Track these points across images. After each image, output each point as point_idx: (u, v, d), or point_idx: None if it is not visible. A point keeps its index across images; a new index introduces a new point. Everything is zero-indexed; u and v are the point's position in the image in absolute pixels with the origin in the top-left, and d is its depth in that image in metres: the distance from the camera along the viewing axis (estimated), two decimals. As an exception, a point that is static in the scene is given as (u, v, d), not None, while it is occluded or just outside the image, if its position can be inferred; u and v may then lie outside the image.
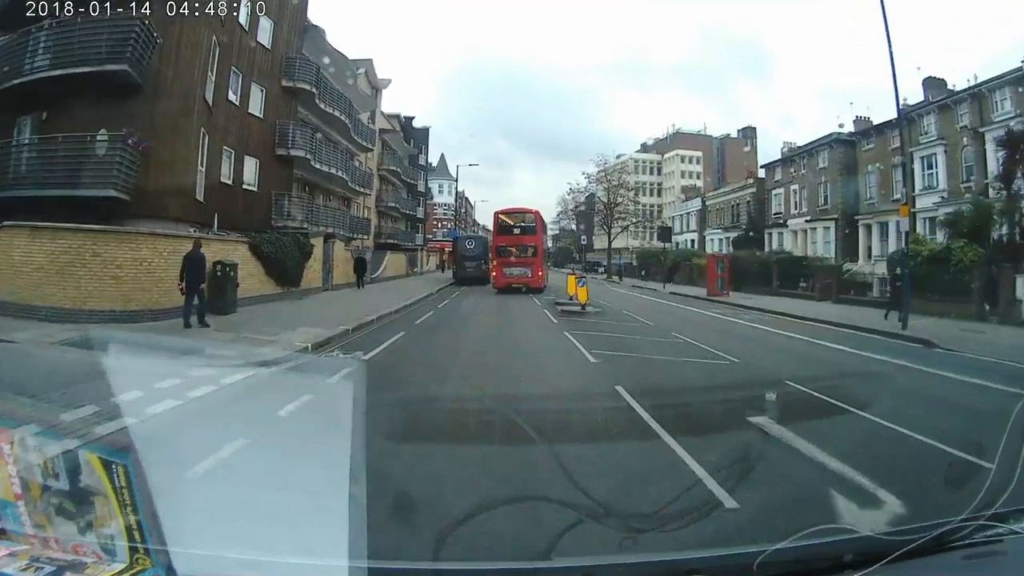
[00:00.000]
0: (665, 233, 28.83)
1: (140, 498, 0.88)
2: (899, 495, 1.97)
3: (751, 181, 34.67)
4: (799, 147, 29.31)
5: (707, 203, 41.13)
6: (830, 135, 26.11)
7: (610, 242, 39.73)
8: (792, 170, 28.55)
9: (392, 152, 30.66)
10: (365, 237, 24.65)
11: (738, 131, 56.34)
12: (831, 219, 24.53)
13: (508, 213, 21.30)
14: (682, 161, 55.14)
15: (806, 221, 26.16)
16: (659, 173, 55.98)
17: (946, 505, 1.16)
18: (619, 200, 38.65)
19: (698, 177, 53.70)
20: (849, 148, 24.25)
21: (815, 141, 27.09)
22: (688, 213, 44.82)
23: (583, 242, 66.23)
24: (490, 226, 27.31)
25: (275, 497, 0.97)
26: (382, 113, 29.86)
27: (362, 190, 22.95)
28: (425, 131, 41.32)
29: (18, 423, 0.95)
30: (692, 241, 44.00)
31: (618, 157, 37.72)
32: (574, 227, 67.50)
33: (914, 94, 21.85)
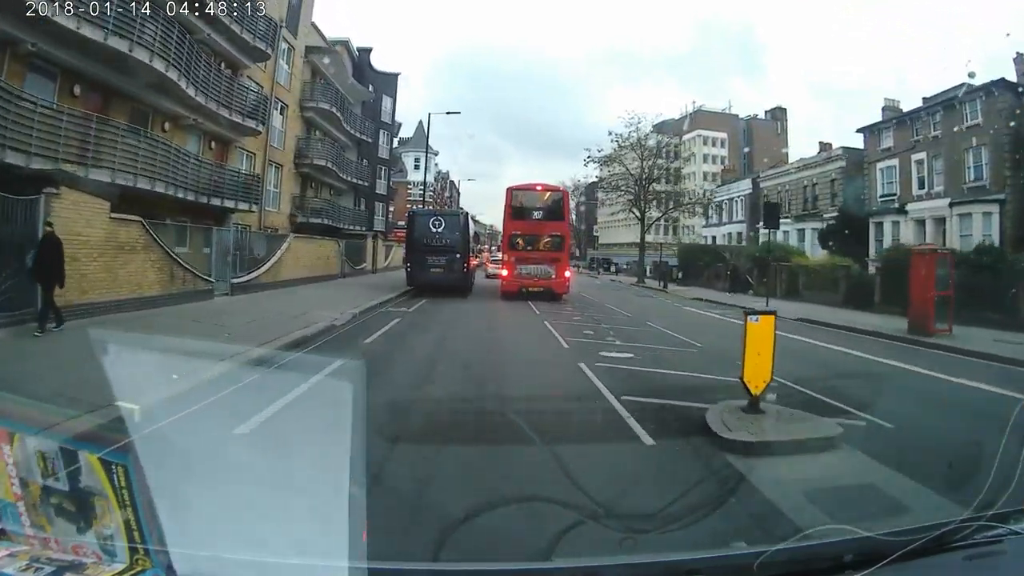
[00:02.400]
0: (772, 214, 24.41)
1: (140, 498, 1.44)
2: None
3: (838, 152, 36.95)
4: (929, 98, 30.27)
5: (761, 185, 44.83)
6: (960, 86, 27.37)
7: (644, 232, 42.62)
8: (914, 133, 29.49)
9: (328, 87, 29.82)
10: (262, 208, 22.76)
11: (766, 112, 67.09)
12: (993, 200, 25.19)
13: (527, 190, 23.06)
14: (704, 143, 65.28)
15: (950, 204, 27.07)
16: (676, 157, 63.91)
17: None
18: (657, 174, 42.19)
19: (723, 161, 63.92)
20: (1015, 96, 25.24)
21: (954, 89, 28.24)
22: (732, 200, 48.59)
23: (595, 232, 70.77)
24: (481, 216, 29.60)
25: (275, 497, 1.54)
26: (314, 26, 29.10)
27: (246, 124, 20.19)
28: (391, 78, 42.11)
29: (18, 423, 1.49)
30: (739, 235, 47.84)
31: (626, 139, 42.21)
32: (573, 217, 75.06)
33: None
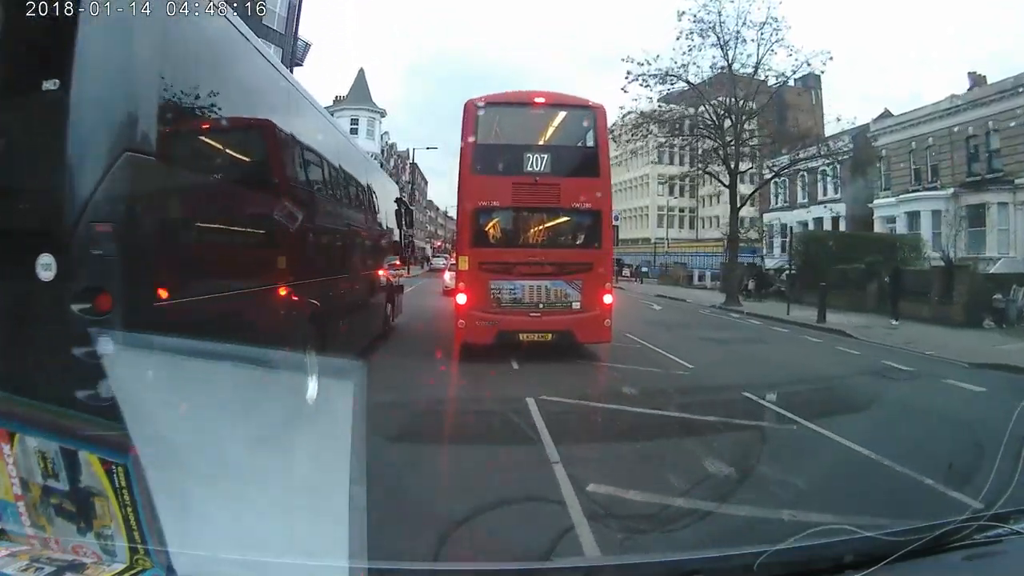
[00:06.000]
0: None
1: (140, 498, 1.46)
2: None
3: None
4: None
5: (877, 142, 31.13)
6: None
7: (736, 208, 26.53)
8: None
9: None
10: None
11: (795, 80, 62.38)
12: None
13: (514, 105, 11.54)
14: (704, 128, 57.15)
15: None
16: (690, 133, 57.79)
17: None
18: (758, 107, 26.36)
19: (752, 135, 57.46)
20: None
21: None
22: (815, 168, 29.19)
23: (616, 222, 65.22)
24: (452, 209, 13.92)
25: (275, 497, 1.56)
26: None
27: None
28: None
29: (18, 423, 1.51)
30: (836, 219, 34.36)
31: (627, 115, 26.32)
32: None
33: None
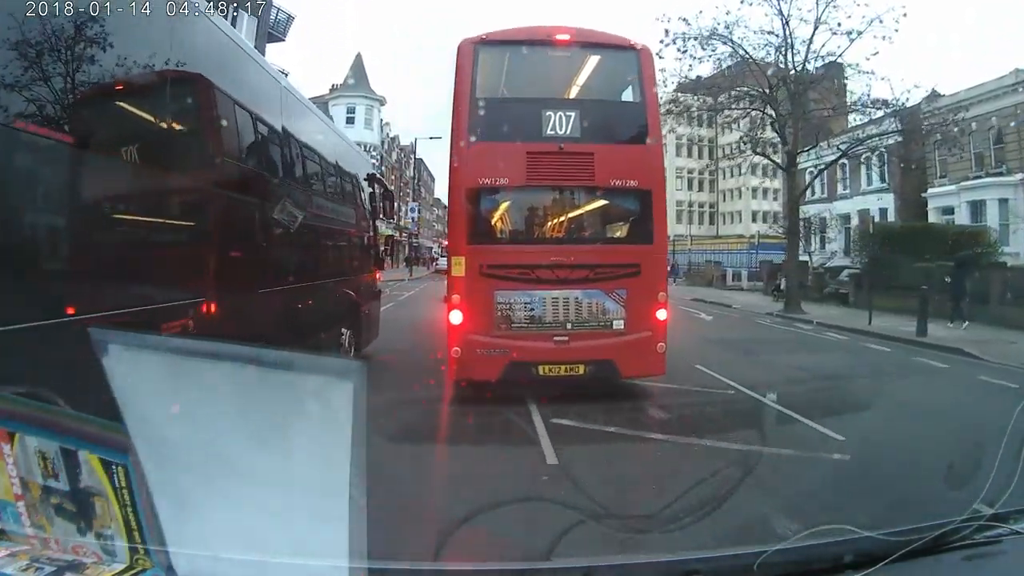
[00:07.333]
0: None
1: (140, 498, 1.46)
2: None
3: None
4: None
5: (966, 114, 23.72)
6: None
7: (796, 195, 23.11)
8: None
9: None
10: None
11: (816, 68, 61.24)
12: None
13: (531, 44, 8.61)
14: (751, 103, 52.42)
15: None
16: (709, 124, 55.95)
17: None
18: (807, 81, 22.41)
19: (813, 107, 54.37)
20: None
21: None
22: (889, 146, 24.82)
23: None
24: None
25: (275, 497, 1.56)
26: None
27: None
28: None
29: (18, 423, 1.52)
30: (882, 212, 31.06)
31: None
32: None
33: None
